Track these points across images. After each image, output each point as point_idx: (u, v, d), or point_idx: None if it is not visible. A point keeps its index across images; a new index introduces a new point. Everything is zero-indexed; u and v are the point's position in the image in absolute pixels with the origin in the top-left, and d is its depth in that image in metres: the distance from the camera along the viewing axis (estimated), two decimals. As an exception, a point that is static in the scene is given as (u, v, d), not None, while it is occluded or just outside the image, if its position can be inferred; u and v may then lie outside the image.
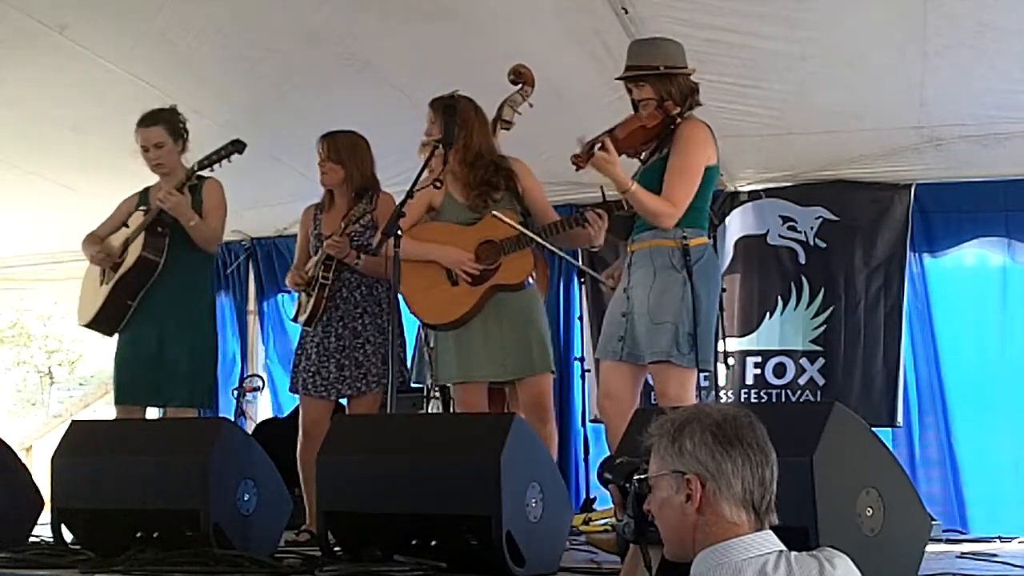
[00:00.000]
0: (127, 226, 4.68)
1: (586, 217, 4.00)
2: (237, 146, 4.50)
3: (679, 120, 3.80)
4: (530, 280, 4.22)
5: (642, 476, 2.11)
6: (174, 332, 4.60)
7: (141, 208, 4.70)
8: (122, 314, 4.64)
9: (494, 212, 4.12)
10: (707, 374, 4.85)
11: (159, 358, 4.59)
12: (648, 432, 2.08)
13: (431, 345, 4.50)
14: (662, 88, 3.88)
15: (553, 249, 4.28)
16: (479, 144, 4.22)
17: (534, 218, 4.24)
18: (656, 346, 3.78)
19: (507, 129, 4.54)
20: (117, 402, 4.73)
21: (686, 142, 3.82)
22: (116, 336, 4.75)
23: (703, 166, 3.86)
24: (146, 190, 4.80)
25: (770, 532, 1.98)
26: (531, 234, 4.11)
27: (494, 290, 4.15)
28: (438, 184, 4.19)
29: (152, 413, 4.97)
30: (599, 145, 3.72)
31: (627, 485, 2.19)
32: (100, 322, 4.74)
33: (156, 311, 4.60)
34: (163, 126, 4.64)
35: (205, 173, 4.59)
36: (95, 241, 4.79)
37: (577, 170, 3.81)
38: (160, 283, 4.58)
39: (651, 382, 4.04)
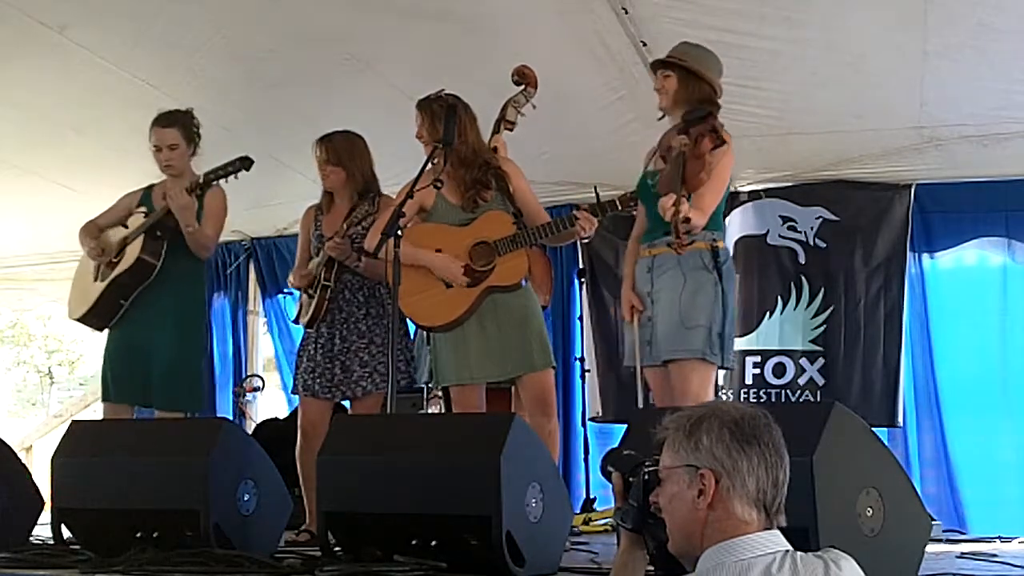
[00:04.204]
0: (126, 226, 4.70)
1: (576, 217, 4.01)
2: (245, 163, 4.51)
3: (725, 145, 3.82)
4: (524, 280, 4.21)
5: (652, 467, 2.11)
6: (165, 335, 4.62)
7: (141, 209, 4.71)
8: (114, 312, 4.69)
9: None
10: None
11: (149, 360, 4.62)
12: (662, 425, 2.08)
13: (430, 346, 4.50)
14: (683, 82, 3.92)
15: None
16: (471, 143, 4.19)
17: (525, 219, 4.21)
18: (688, 344, 3.79)
19: (510, 130, 4.54)
20: (106, 399, 4.76)
21: (719, 158, 3.84)
22: (106, 331, 4.78)
23: (728, 179, 3.93)
24: (150, 188, 4.81)
25: (778, 532, 1.98)
26: (528, 235, 4.10)
27: (489, 291, 4.13)
28: (439, 184, 4.17)
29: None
30: (681, 213, 3.64)
31: (631, 478, 2.19)
32: (91, 318, 4.78)
33: (149, 313, 4.64)
34: (179, 128, 4.66)
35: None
36: (94, 232, 4.82)
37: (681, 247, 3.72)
38: (155, 286, 4.61)
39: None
